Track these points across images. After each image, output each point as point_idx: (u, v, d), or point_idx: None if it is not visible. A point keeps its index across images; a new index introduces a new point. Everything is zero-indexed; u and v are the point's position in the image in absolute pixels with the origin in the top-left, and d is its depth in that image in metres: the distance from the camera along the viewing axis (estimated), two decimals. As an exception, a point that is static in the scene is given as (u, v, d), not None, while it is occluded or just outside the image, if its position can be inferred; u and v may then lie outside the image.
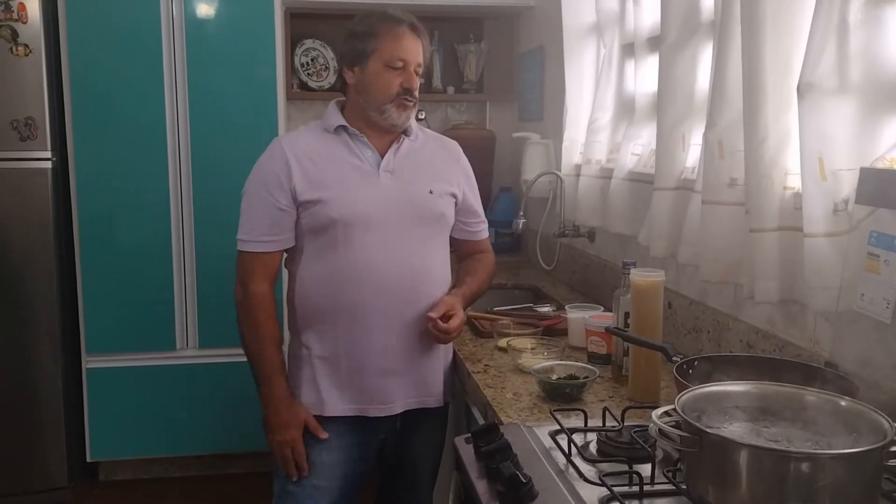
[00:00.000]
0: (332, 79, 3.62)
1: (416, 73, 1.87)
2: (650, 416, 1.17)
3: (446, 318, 1.83)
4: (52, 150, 3.09)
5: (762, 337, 1.71)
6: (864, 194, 1.33)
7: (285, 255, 1.93)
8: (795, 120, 1.46)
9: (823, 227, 1.41)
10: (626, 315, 1.77)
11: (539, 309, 2.59)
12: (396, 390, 1.90)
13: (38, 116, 3.04)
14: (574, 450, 1.34)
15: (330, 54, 3.63)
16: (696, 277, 1.93)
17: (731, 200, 1.70)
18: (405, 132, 1.92)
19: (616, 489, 1.18)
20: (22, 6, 2.97)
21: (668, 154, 1.99)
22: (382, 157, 1.89)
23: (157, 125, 3.18)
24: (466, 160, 2.06)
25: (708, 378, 1.38)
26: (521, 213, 2.98)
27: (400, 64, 1.84)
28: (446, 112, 3.98)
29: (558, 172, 2.94)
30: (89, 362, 3.27)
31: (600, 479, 1.21)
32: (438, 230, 1.95)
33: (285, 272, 1.98)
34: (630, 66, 2.43)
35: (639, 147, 2.31)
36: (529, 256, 3.43)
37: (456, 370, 2.09)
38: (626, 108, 2.47)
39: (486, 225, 2.12)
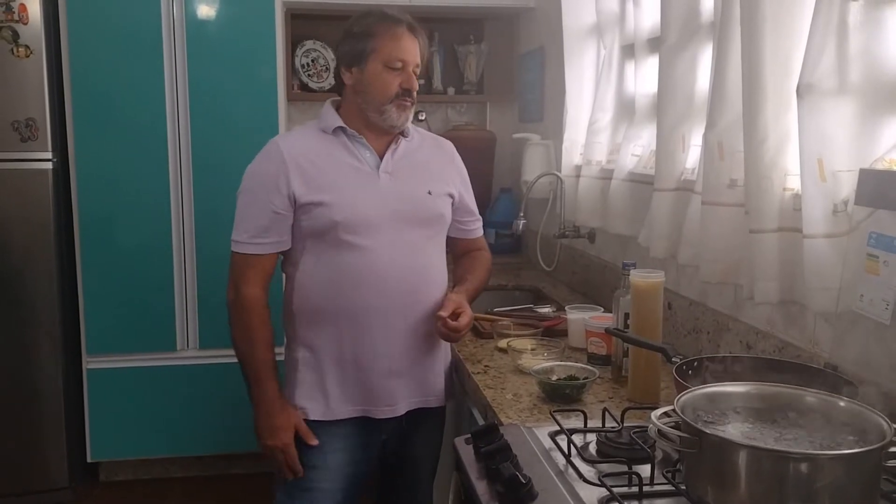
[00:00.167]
0: (332, 80, 3.62)
1: (415, 74, 1.87)
2: (650, 417, 1.17)
3: (455, 315, 1.82)
4: (52, 151, 3.09)
5: (762, 338, 1.71)
6: (864, 195, 1.34)
7: (281, 257, 1.91)
8: (795, 121, 1.46)
9: (823, 228, 1.41)
10: (626, 316, 1.77)
11: (539, 310, 2.59)
12: (400, 391, 1.89)
13: (39, 117, 3.04)
14: (574, 450, 1.34)
15: (330, 55, 3.64)
16: (695, 278, 1.94)
17: (731, 201, 1.70)
18: (402, 133, 1.91)
19: (615, 490, 1.18)
20: (23, 7, 2.98)
21: (668, 155, 1.99)
22: (380, 158, 1.88)
23: (157, 126, 3.18)
24: (460, 159, 2.06)
25: (707, 379, 1.39)
26: (522, 214, 2.99)
27: (399, 64, 1.83)
28: (446, 113, 3.98)
29: (558, 173, 2.94)
30: (90, 363, 3.27)
31: (600, 479, 1.21)
32: (437, 231, 1.95)
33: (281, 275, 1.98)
34: (630, 67, 2.43)
35: (639, 148, 2.31)
36: (529, 257, 3.43)
37: (456, 370, 2.09)
38: (626, 109, 2.47)
39: (480, 223, 2.12)
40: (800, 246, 1.46)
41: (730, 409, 1.21)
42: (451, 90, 3.87)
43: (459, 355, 2.07)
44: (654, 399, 1.65)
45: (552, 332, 2.21)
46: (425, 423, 1.99)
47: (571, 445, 1.35)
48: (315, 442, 1.85)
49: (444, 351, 2.01)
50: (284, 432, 1.84)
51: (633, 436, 1.34)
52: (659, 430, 1.13)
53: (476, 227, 2.10)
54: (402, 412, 1.91)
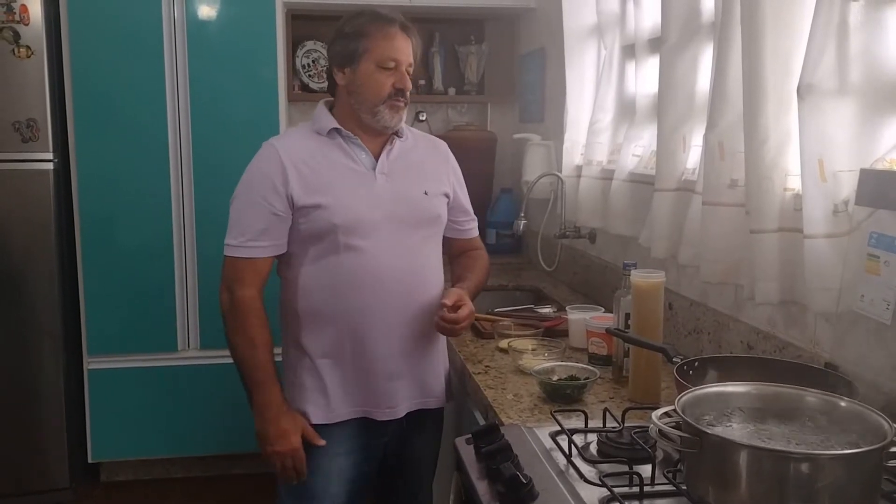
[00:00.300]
0: (333, 80, 3.63)
1: (408, 73, 1.85)
2: (650, 417, 1.17)
3: (455, 308, 1.81)
4: (53, 152, 3.10)
5: (762, 338, 1.72)
6: (864, 195, 1.34)
7: (276, 261, 1.88)
8: (795, 121, 1.46)
9: (823, 229, 1.41)
10: (627, 316, 1.77)
11: (540, 310, 2.59)
12: (400, 392, 1.89)
13: (40, 118, 3.05)
14: (574, 450, 1.34)
15: (331, 56, 3.64)
16: (696, 278, 1.94)
17: (732, 202, 1.70)
18: (396, 133, 1.90)
19: (616, 490, 1.18)
20: (24, 8, 2.98)
21: (669, 155, 1.99)
22: (376, 159, 1.87)
23: (158, 126, 3.19)
24: (454, 158, 2.05)
25: (708, 379, 1.39)
26: (522, 215, 2.99)
27: (392, 64, 1.81)
28: (447, 113, 3.98)
29: (559, 174, 2.94)
30: (91, 363, 3.27)
31: (601, 479, 1.22)
32: (434, 231, 1.94)
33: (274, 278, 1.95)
34: (631, 67, 2.43)
35: (639, 148, 2.31)
36: (530, 258, 3.43)
37: (456, 371, 2.10)
38: (626, 110, 2.47)
39: (475, 223, 2.10)
40: (800, 246, 1.46)
41: (731, 409, 1.21)
42: (451, 90, 3.87)
43: (460, 355, 2.07)
44: (654, 399, 1.65)
45: (553, 333, 2.21)
46: (425, 425, 1.99)
47: (572, 445, 1.35)
48: (322, 442, 1.83)
49: (443, 353, 2.00)
50: (293, 436, 1.81)
51: (634, 436, 1.34)
52: (660, 431, 1.13)
53: (471, 227, 2.09)
54: (403, 414, 1.90)
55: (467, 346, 2.16)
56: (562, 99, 2.93)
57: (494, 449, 1.32)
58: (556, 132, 3.12)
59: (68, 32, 3.08)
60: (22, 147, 3.05)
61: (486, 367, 1.98)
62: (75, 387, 3.28)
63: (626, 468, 1.23)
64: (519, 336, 2.12)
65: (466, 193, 2.06)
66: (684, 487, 1.16)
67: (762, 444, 1.11)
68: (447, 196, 1.97)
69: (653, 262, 2.03)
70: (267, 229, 1.80)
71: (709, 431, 1.09)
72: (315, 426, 1.85)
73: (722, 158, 1.71)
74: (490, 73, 3.93)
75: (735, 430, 1.17)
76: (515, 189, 3.65)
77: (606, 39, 2.55)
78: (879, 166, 1.35)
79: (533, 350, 1.98)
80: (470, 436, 1.42)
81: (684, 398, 1.19)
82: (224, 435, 3.35)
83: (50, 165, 3.09)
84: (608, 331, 1.80)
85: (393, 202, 1.84)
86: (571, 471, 1.29)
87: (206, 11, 3.18)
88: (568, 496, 1.21)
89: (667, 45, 1.97)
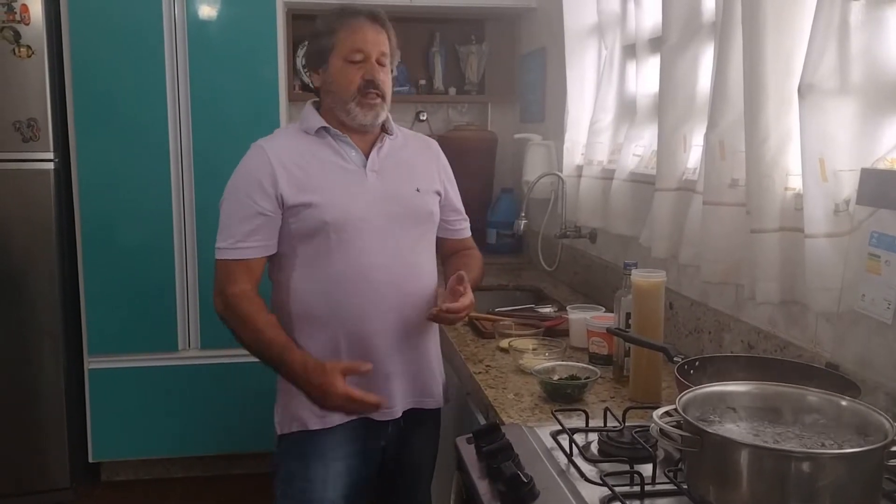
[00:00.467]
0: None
1: (381, 64, 1.80)
2: (651, 417, 1.17)
3: (457, 296, 1.76)
4: (54, 151, 3.10)
5: (763, 337, 1.72)
6: (865, 195, 1.34)
7: (267, 264, 1.85)
8: (796, 121, 1.46)
9: (824, 228, 1.41)
10: (628, 316, 1.77)
11: (540, 310, 2.59)
12: (396, 392, 1.86)
13: (41, 117, 3.05)
14: (575, 450, 1.34)
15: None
16: (697, 278, 1.94)
17: (733, 201, 1.70)
18: (386, 130, 1.88)
19: (617, 489, 1.18)
20: (24, 8, 2.98)
21: (670, 155, 1.99)
22: (366, 157, 1.84)
23: (159, 126, 3.19)
24: (445, 157, 2.02)
25: (709, 378, 1.39)
26: (523, 215, 2.99)
27: (359, 56, 1.78)
28: (448, 113, 3.98)
29: (560, 173, 2.94)
30: (91, 363, 3.27)
31: (601, 478, 1.22)
32: (427, 229, 1.92)
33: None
34: (631, 67, 2.44)
35: (640, 148, 2.31)
36: (531, 257, 3.43)
37: (456, 371, 2.09)
38: (627, 110, 2.47)
39: (468, 223, 2.08)
40: (801, 246, 1.46)
41: (731, 408, 1.22)
42: (452, 90, 3.87)
43: (461, 355, 2.07)
44: (655, 399, 1.65)
45: (554, 332, 2.21)
46: (423, 427, 1.96)
47: (573, 445, 1.35)
48: (368, 366, 1.70)
49: (437, 353, 1.97)
50: (333, 385, 1.67)
51: (635, 435, 1.34)
52: (661, 430, 1.13)
53: (464, 227, 2.06)
54: (400, 414, 1.88)
55: (468, 346, 2.16)
56: (562, 99, 2.93)
57: (495, 448, 1.32)
58: (556, 132, 3.12)
59: (69, 32, 3.08)
60: (22, 147, 3.05)
61: (487, 366, 1.98)
62: (76, 386, 3.28)
63: (627, 467, 1.23)
64: (520, 336, 2.12)
65: (458, 193, 2.04)
66: (685, 487, 1.16)
67: (763, 444, 1.11)
68: (439, 194, 1.94)
69: (653, 261, 2.04)
70: (256, 230, 1.77)
71: (710, 431, 1.09)
72: (312, 433, 1.81)
73: (723, 158, 1.71)
74: (491, 72, 3.93)
75: (736, 429, 1.17)
76: (516, 189, 3.65)
77: (607, 39, 2.55)
78: (880, 166, 1.35)
79: (534, 350, 1.98)
80: (471, 435, 1.42)
81: (685, 397, 1.19)
82: (224, 435, 3.36)
83: (50, 165, 3.09)
84: (609, 330, 1.80)
85: (384, 199, 1.82)
86: (572, 470, 1.29)
87: (207, 11, 3.18)
88: (569, 495, 1.21)
89: (667, 44, 1.97)
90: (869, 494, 1.04)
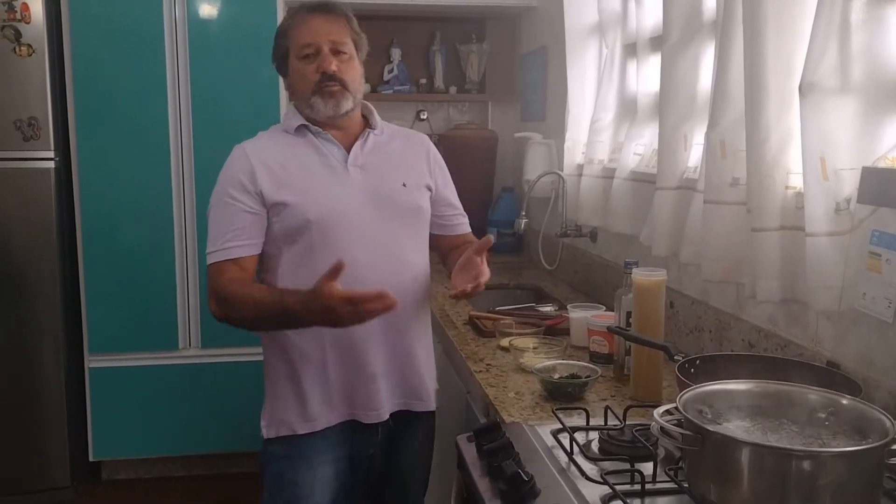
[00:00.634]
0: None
1: (338, 52, 1.76)
2: (652, 415, 1.17)
3: (476, 276, 1.69)
4: (55, 150, 3.10)
5: (764, 336, 1.72)
6: (866, 193, 1.34)
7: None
8: (797, 119, 1.46)
9: (825, 227, 1.41)
10: (628, 314, 1.77)
11: (541, 308, 2.59)
12: (383, 393, 1.82)
13: (42, 116, 3.05)
14: (576, 448, 1.34)
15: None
16: (697, 277, 1.94)
17: (733, 200, 1.70)
18: (370, 125, 1.86)
19: (618, 487, 1.18)
20: (25, 6, 2.98)
21: (670, 154, 1.99)
22: (349, 152, 1.82)
23: (159, 125, 3.19)
24: (437, 151, 1.98)
25: (710, 377, 1.39)
26: (523, 213, 2.99)
27: (310, 50, 1.75)
28: (448, 112, 3.98)
29: (560, 172, 2.94)
30: (92, 362, 3.28)
31: (602, 477, 1.22)
32: (416, 224, 1.87)
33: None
34: (632, 66, 2.43)
35: (641, 147, 2.31)
36: (531, 256, 3.43)
37: (456, 370, 2.10)
38: (628, 108, 2.47)
39: (466, 219, 2.02)
40: (802, 244, 1.46)
41: (732, 406, 1.21)
42: (452, 89, 3.87)
43: (461, 353, 2.07)
44: (656, 397, 1.65)
45: (554, 331, 2.21)
46: (413, 431, 1.91)
47: (574, 443, 1.35)
48: (342, 263, 1.54)
49: (427, 353, 1.93)
50: (331, 299, 1.53)
51: (636, 433, 1.35)
52: (661, 428, 1.13)
53: (461, 223, 2.00)
54: (387, 416, 1.83)
55: (469, 345, 2.16)
56: (563, 97, 2.93)
57: (496, 447, 1.32)
58: (557, 131, 3.12)
59: (69, 31, 3.09)
60: (23, 146, 3.05)
61: (488, 365, 1.98)
62: (76, 385, 3.28)
63: (627, 466, 1.23)
64: (520, 334, 2.12)
65: (453, 188, 1.99)
66: (686, 485, 1.16)
67: (764, 442, 1.11)
68: (429, 189, 1.90)
69: (654, 260, 2.04)
70: (244, 229, 1.75)
71: (710, 429, 1.09)
72: (300, 437, 1.79)
73: (723, 157, 1.71)
74: (491, 71, 3.93)
75: (737, 427, 1.17)
76: (516, 188, 3.65)
77: (608, 38, 2.55)
78: (881, 164, 1.35)
79: (534, 348, 1.98)
80: (471, 434, 1.42)
81: (686, 396, 1.19)
82: (225, 433, 3.36)
83: (51, 164, 3.09)
84: (609, 329, 1.80)
85: (368, 195, 1.78)
86: (573, 468, 1.29)
87: (208, 10, 3.19)
88: (569, 494, 1.21)
89: (668, 43, 1.97)
90: (869, 493, 1.04)
